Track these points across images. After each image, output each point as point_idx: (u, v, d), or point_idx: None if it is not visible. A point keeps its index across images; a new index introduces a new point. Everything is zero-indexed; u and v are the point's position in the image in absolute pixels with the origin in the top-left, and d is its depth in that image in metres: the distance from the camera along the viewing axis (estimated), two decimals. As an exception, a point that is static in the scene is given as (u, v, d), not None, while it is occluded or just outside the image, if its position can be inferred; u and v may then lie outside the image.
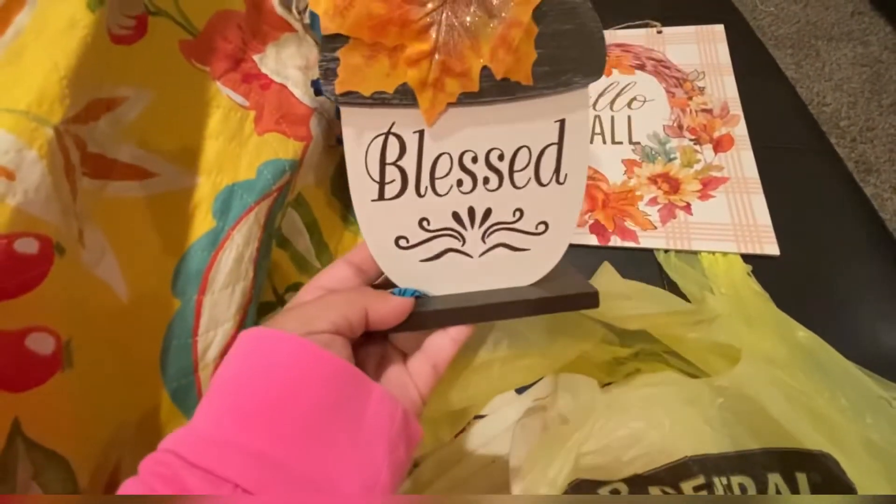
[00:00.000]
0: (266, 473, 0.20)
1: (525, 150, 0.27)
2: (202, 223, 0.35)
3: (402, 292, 0.28)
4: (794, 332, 0.36)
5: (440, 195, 0.27)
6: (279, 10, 0.50)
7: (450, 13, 0.24)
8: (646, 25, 0.68)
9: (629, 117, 0.59)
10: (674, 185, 0.52)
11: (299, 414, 0.22)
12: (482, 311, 0.28)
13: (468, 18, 0.24)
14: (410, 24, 0.23)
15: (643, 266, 0.48)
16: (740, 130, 0.55)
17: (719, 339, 0.35)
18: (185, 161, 0.36)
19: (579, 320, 0.37)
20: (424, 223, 0.28)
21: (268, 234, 0.39)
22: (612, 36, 0.67)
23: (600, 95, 0.61)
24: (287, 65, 0.47)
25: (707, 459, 0.28)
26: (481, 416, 0.42)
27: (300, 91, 0.46)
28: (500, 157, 0.27)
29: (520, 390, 0.42)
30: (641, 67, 0.63)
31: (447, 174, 0.27)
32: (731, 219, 0.49)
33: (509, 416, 0.41)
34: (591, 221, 0.51)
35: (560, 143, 0.28)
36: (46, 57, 0.26)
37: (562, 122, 0.27)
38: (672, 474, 0.27)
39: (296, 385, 0.22)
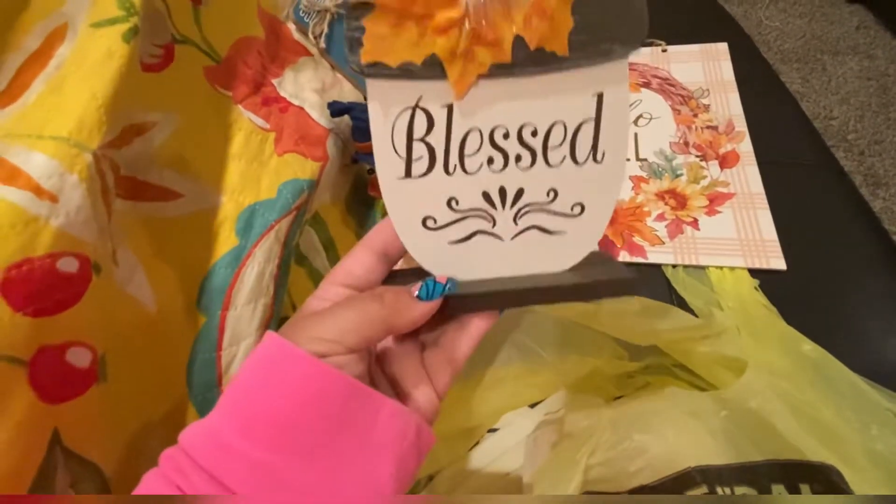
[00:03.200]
0: (264, 481, 0.21)
1: (560, 125, 0.26)
2: (226, 241, 0.37)
3: (430, 292, 0.25)
4: (800, 345, 0.36)
5: (469, 173, 0.26)
6: (296, 35, 0.52)
7: None
8: (651, 44, 0.69)
9: (636, 134, 0.60)
10: (681, 201, 0.53)
11: (306, 429, 0.22)
12: (513, 297, 0.27)
13: None
14: None
15: (652, 281, 0.49)
16: (745, 147, 0.56)
17: (726, 352, 0.35)
18: (209, 182, 0.37)
19: (591, 336, 0.38)
20: (453, 203, 0.26)
21: (287, 252, 0.40)
22: (619, 55, 0.69)
23: (607, 113, 0.63)
24: (304, 88, 0.49)
25: (710, 470, 0.28)
26: (494, 430, 0.43)
27: (317, 113, 0.47)
28: (534, 134, 0.26)
29: (532, 404, 0.43)
30: (647, 85, 0.64)
31: (477, 151, 0.25)
32: (738, 234, 0.50)
33: (522, 430, 0.42)
34: (599, 237, 0.52)
35: (598, 119, 0.26)
36: (86, 87, 0.28)
37: (600, 96, 0.25)
38: (677, 484, 0.28)
39: (305, 403, 0.22)
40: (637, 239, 0.51)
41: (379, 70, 0.23)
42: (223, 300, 0.36)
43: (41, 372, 0.24)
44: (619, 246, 0.51)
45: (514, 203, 0.27)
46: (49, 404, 0.24)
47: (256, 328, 0.37)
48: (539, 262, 0.28)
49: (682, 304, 0.46)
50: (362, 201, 0.54)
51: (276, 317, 0.39)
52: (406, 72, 0.23)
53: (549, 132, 0.26)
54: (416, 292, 0.25)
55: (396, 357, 0.28)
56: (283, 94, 0.46)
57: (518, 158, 0.26)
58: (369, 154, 0.49)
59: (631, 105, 0.63)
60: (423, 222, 0.26)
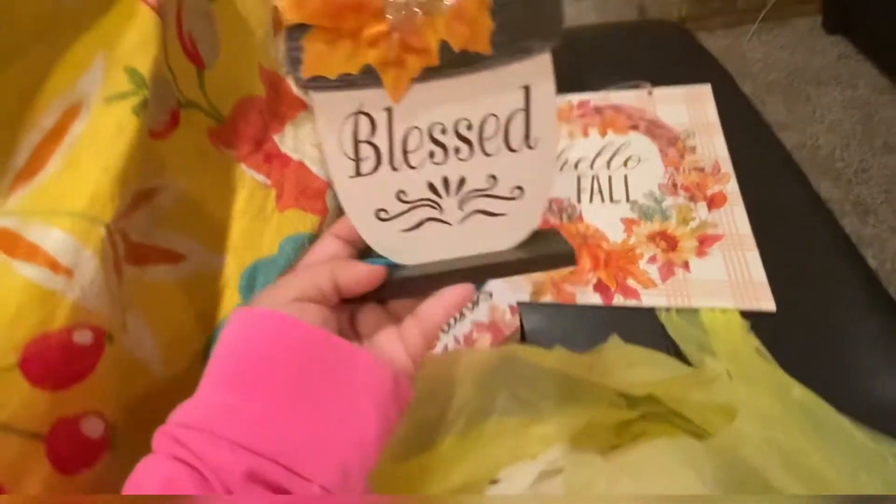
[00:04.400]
0: (257, 429, 0.23)
1: (493, 118, 0.28)
2: (230, 300, 0.38)
3: (373, 262, 0.29)
4: (790, 389, 0.37)
5: (414, 167, 0.28)
6: (295, 90, 0.54)
7: None
8: (636, 87, 0.71)
9: (626, 176, 0.62)
10: (671, 243, 0.55)
11: (285, 378, 0.24)
12: (465, 274, 0.29)
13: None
14: (365, 7, 0.24)
15: (646, 324, 0.50)
16: (732, 188, 0.58)
17: (718, 399, 0.36)
18: (213, 242, 0.38)
19: (587, 386, 0.39)
20: (402, 195, 0.29)
21: (289, 306, 0.41)
22: (606, 97, 0.71)
23: (597, 156, 0.65)
24: (304, 142, 0.50)
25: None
26: (495, 482, 0.43)
27: (316, 167, 0.49)
28: (469, 127, 0.28)
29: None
30: (635, 128, 0.67)
31: (419, 147, 0.28)
32: (728, 276, 0.51)
33: (523, 481, 0.42)
34: (594, 280, 0.53)
35: (527, 109, 0.28)
36: (99, 162, 0.29)
37: (526, 88, 0.28)
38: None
39: (275, 353, 0.24)
40: (630, 282, 0.52)
41: (320, 83, 0.25)
42: (227, 358, 0.36)
43: (58, 445, 0.25)
44: (612, 289, 0.52)
45: (458, 190, 0.29)
46: (64, 475, 0.25)
47: (260, 384, 0.37)
48: (486, 243, 0.30)
49: (676, 349, 0.47)
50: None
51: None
52: (345, 82, 0.26)
53: (482, 124, 0.28)
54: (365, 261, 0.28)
55: (369, 320, 0.30)
56: (283, 149, 0.48)
57: (457, 150, 0.28)
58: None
59: (620, 148, 0.65)
60: (377, 214, 0.29)
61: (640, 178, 0.61)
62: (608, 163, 0.64)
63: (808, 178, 0.65)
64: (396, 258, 0.30)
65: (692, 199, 0.58)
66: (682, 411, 0.38)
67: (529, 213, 0.30)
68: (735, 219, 0.55)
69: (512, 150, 0.29)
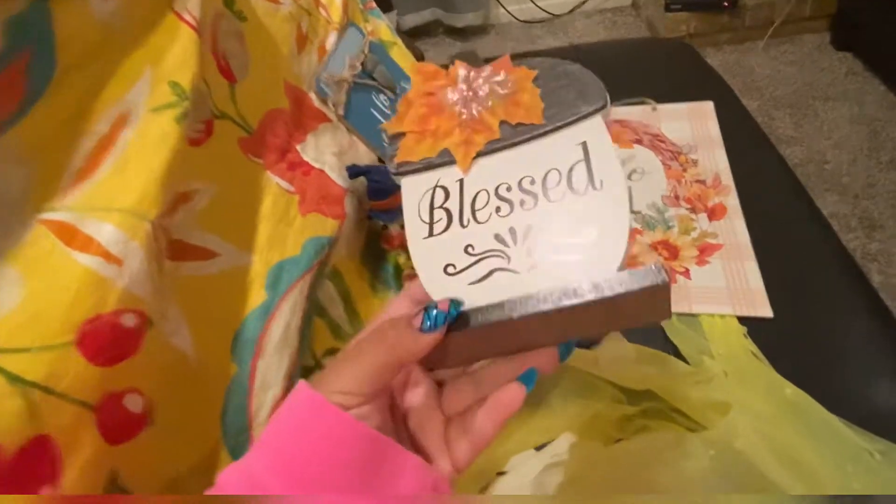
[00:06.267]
0: None
1: (555, 171, 0.29)
2: (257, 296, 0.40)
3: (434, 322, 0.26)
4: (783, 389, 0.39)
5: (481, 223, 0.30)
6: (317, 103, 0.57)
7: (470, 98, 0.32)
8: (641, 103, 0.74)
9: (630, 188, 0.64)
10: (673, 252, 0.57)
11: (331, 474, 0.24)
12: (505, 308, 0.27)
13: (484, 94, 0.32)
14: (444, 111, 0.32)
15: (648, 329, 0.52)
16: (732, 200, 0.60)
17: (715, 397, 0.38)
18: (242, 242, 0.41)
19: (591, 381, 0.41)
20: (469, 249, 0.29)
21: (310, 305, 0.44)
22: (612, 113, 0.74)
23: (604, 168, 0.67)
24: (324, 152, 0.53)
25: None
26: (503, 473, 0.45)
27: (335, 174, 0.52)
28: (532, 182, 0.30)
29: (538, 447, 0.45)
30: (639, 142, 0.69)
31: (486, 205, 0.30)
32: (727, 283, 0.53)
33: (529, 473, 0.44)
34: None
35: (587, 159, 0.29)
36: (146, 165, 0.33)
37: (584, 143, 0.29)
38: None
39: (331, 451, 0.25)
40: (633, 287, 0.55)
41: (406, 168, 0.31)
42: (254, 350, 0.39)
43: (105, 416, 0.27)
44: (616, 294, 0.54)
45: (525, 238, 0.29)
46: (111, 445, 0.28)
47: (283, 377, 0.40)
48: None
49: (676, 351, 0.49)
50: (376, 254, 0.58)
51: (300, 366, 0.43)
52: (426, 164, 0.31)
53: (545, 178, 0.30)
54: (419, 324, 0.26)
55: (420, 422, 0.30)
56: (305, 158, 0.51)
57: (522, 203, 0.30)
58: (383, 211, 0.53)
59: (625, 161, 0.68)
60: (445, 269, 0.29)
61: (644, 190, 0.64)
62: (613, 175, 0.66)
63: (812, 192, 0.67)
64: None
65: (693, 210, 0.61)
66: (681, 407, 0.40)
67: (604, 255, 0.27)
68: (735, 229, 0.58)
69: (577, 194, 0.29)
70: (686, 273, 0.55)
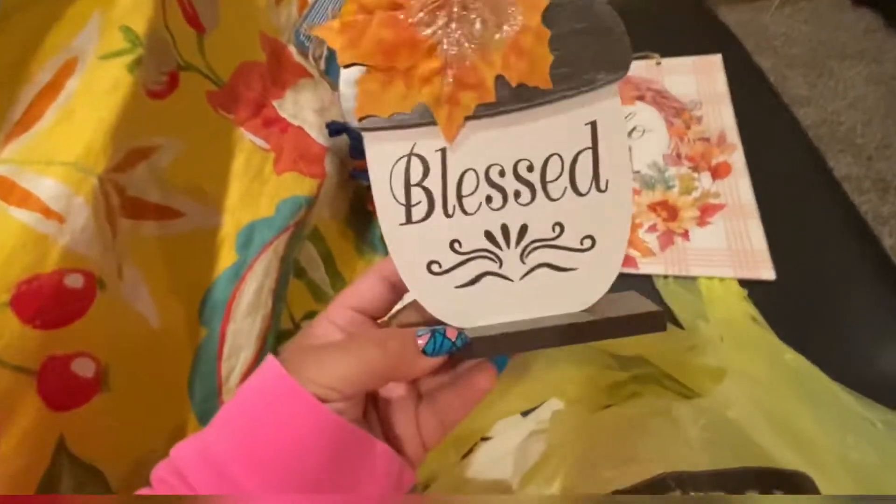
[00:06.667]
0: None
1: (556, 157, 0.25)
2: (226, 257, 0.38)
3: (438, 347, 0.24)
4: (782, 354, 0.37)
5: (469, 214, 0.26)
6: (297, 57, 0.54)
7: (456, 27, 0.24)
8: (645, 57, 0.70)
9: (630, 147, 0.61)
10: (672, 213, 0.54)
11: (300, 469, 0.23)
12: (525, 339, 0.25)
13: (475, 30, 0.24)
14: (419, 44, 0.24)
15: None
16: (737, 158, 0.57)
17: (710, 363, 0.36)
18: (211, 201, 0.39)
19: (580, 347, 0.39)
20: (456, 245, 0.26)
21: (285, 266, 0.42)
22: (614, 69, 0.70)
23: (602, 126, 0.64)
24: (304, 108, 0.51)
25: (684, 476, 0.29)
26: (487, 438, 0.44)
27: (315, 132, 0.49)
28: (530, 168, 0.26)
29: (524, 413, 0.44)
30: (641, 98, 0.66)
31: (474, 191, 0.25)
32: (728, 244, 0.50)
33: (513, 439, 0.43)
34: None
35: (595, 147, 0.26)
36: (93, 116, 0.30)
37: (593, 123, 0.25)
38: (650, 489, 0.29)
39: (304, 445, 0.23)
40: (629, 250, 0.52)
41: (372, 123, 0.24)
42: (223, 314, 0.37)
43: (48, 381, 0.26)
44: (611, 257, 0.52)
45: (518, 241, 0.26)
46: (56, 411, 0.26)
47: (255, 340, 0.38)
48: (554, 303, 0.27)
49: (671, 315, 0.47)
50: (361, 216, 0.56)
51: (275, 329, 0.41)
52: (398, 123, 0.24)
53: (545, 165, 0.25)
54: (424, 345, 0.24)
55: (390, 404, 0.28)
56: (283, 114, 0.48)
57: (517, 194, 0.26)
58: (366, 171, 0.51)
59: (626, 118, 0.64)
60: (429, 267, 0.26)
61: (645, 149, 0.61)
62: (613, 133, 0.63)
63: (824, 154, 0.63)
64: (451, 320, 0.26)
65: (696, 169, 0.57)
66: (674, 373, 0.38)
67: (603, 269, 0.26)
68: (739, 189, 0.55)
69: (580, 195, 0.26)
70: (685, 235, 0.52)
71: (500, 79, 0.24)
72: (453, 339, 0.24)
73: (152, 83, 0.37)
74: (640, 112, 0.64)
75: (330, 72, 0.56)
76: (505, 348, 0.26)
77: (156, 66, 0.37)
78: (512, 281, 0.26)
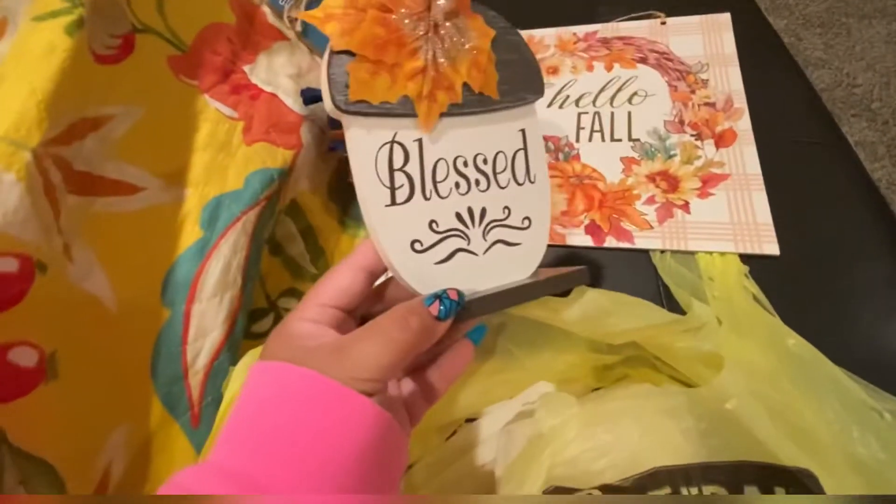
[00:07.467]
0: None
1: (502, 154, 0.32)
2: (190, 234, 0.36)
3: (448, 310, 0.26)
4: (785, 339, 0.35)
5: (443, 197, 0.29)
6: (271, 19, 0.51)
7: (433, 37, 0.28)
8: (650, 16, 0.66)
9: (629, 113, 0.58)
10: (672, 184, 0.51)
11: (360, 469, 0.22)
12: (492, 302, 0.28)
13: (448, 43, 0.29)
14: (405, 45, 0.27)
15: (639, 267, 0.48)
16: (744, 124, 0.54)
17: (705, 348, 0.34)
18: (172, 175, 0.37)
19: (566, 334, 0.37)
20: (434, 225, 0.29)
21: (256, 243, 0.40)
22: (615, 29, 0.66)
23: (601, 91, 0.60)
24: (279, 73, 0.47)
25: (677, 470, 0.27)
26: (472, 420, 0.42)
27: (291, 100, 0.46)
28: (485, 161, 0.31)
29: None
30: (643, 61, 0.62)
31: (446, 178, 0.29)
32: (731, 217, 0.47)
33: (499, 419, 0.41)
34: (586, 222, 0.50)
35: (525, 148, 0.33)
36: (24, 83, 0.28)
37: (523, 130, 0.33)
38: (640, 484, 0.27)
39: (365, 452, 0.22)
40: (625, 223, 0.49)
41: (362, 108, 0.26)
42: (188, 293, 0.35)
43: (-19, 373, 0.24)
44: (605, 231, 0.49)
45: (480, 221, 0.31)
46: (-8, 405, 0.25)
47: (223, 321, 0.37)
48: (507, 273, 0.32)
49: (668, 292, 0.44)
50: (345, 188, 0.53)
51: (245, 309, 0.39)
52: (384, 110, 0.27)
53: (495, 159, 0.32)
54: (436, 313, 0.25)
55: None
56: (254, 80, 0.45)
57: (477, 182, 0.31)
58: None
59: (626, 83, 0.61)
60: (412, 245, 0.28)
61: (645, 115, 0.57)
62: (612, 99, 0.60)
63: (838, 119, 0.60)
64: (427, 292, 0.27)
65: (699, 136, 0.54)
66: (668, 360, 0.36)
67: (538, 242, 0.33)
68: (744, 158, 0.51)
69: (519, 184, 0.32)
70: (685, 207, 0.49)
71: (465, 85, 0.29)
72: (458, 300, 0.26)
73: (101, 47, 0.34)
74: (641, 76, 0.61)
75: (307, 34, 0.52)
76: (491, 307, 0.29)
77: (104, 29, 0.34)
78: (477, 255, 0.31)
